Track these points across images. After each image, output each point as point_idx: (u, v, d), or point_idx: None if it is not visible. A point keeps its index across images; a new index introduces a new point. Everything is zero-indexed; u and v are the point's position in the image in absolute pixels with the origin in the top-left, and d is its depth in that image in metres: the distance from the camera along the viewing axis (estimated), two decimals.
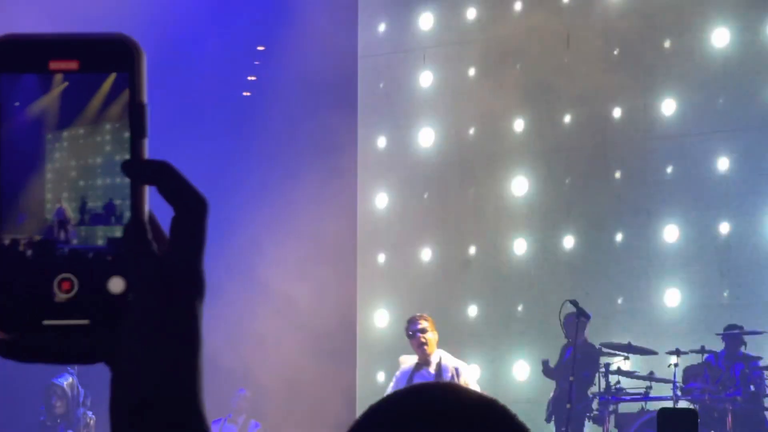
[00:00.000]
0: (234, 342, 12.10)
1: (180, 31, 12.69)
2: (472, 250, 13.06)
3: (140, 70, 0.86)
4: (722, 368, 9.92)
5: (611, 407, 10.06)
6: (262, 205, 13.12)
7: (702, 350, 10.11)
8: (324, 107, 13.18)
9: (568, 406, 9.36)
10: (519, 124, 12.99)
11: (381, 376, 12.57)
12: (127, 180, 0.85)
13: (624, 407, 10.16)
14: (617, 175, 12.51)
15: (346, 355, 12.95)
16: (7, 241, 0.84)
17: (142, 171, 0.86)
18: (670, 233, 12.19)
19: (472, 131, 13.24)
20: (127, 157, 0.85)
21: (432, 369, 8.14)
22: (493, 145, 13.08)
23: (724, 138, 12.04)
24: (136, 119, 0.85)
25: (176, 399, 0.86)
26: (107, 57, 0.85)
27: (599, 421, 10.09)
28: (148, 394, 0.85)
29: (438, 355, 8.14)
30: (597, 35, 12.65)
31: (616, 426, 10.10)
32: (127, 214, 0.85)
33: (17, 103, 0.84)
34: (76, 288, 0.84)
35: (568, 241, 12.63)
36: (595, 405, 10.14)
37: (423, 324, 8.21)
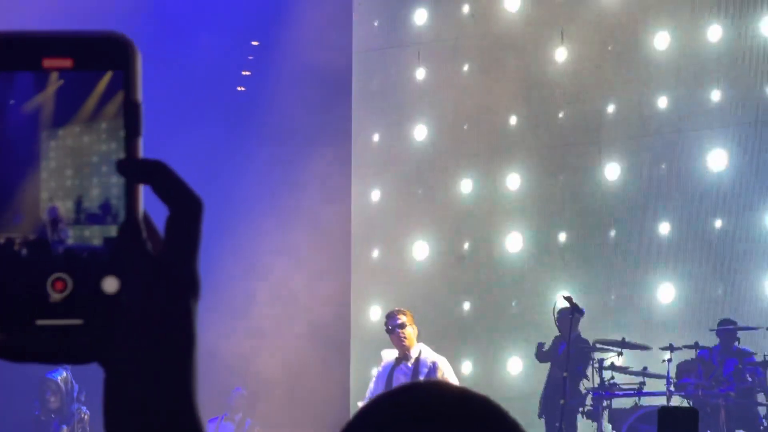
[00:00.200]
0: (229, 336, 12.10)
1: (174, 26, 12.66)
2: (466, 245, 13.06)
3: (135, 69, 0.85)
4: (715, 364, 9.93)
5: (605, 403, 10.07)
6: (256, 200, 13.10)
7: (695, 346, 10.13)
8: (318, 102, 13.17)
9: (562, 401, 9.37)
10: (513, 120, 12.99)
11: (375, 371, 12.58)
12: (121, 179, 0.85)
13: (617, 402, 10.17)
14: (611, 171, 12.51)
15: (340, 348, 12.96)
16: (2, 240, 0.83)
17: (137, 170, 0.85)
18: (664, 229, 12.20)
19: (466, 127, 13.24)
20: (122, 156, 0.85)
21: (410, 363, 8.12)
22: (487, 140, 13.08)
23: (718, 134, 12.05)
24: (130, 118, 0.85)
25: (170, 399, 0.86)
26: (102, 55, 0.84)
27: (593, 416, 10.10)
28: (141, 394, 0.85)
29: (418, 349, 8.11)
30: (591, 31, 12.65)
31: (609, 421, 10.11)
32: (122, 214, 0.85)
33: (10, 101, 0.84)
34: (69, 288, 0.83)
35: (562, 237, 12.64)
36: (588, 400, 10.16)
37: (402, 319, 8.17)
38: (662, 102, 12.35)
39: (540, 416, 10.39)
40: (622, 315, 12.03)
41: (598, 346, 10.33)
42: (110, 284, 0.84)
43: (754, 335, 10.42)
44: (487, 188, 13.02)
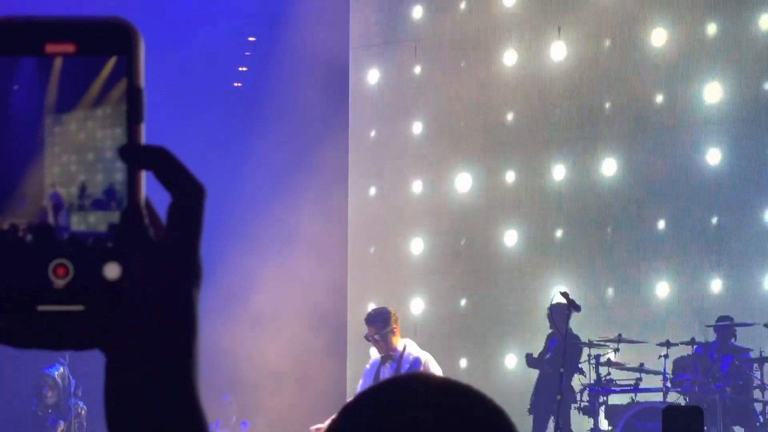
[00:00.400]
0: (223, 330, 12.09)
1: (171, 21, 12.65)
2: (463, 241, 13.06)
3: (138, 54, 0.85)
4: (712, 360, 9.94)
5: (601, 399, 10.08)
6: (252, 196, 13.09)
7: (692, 342, 10.13)
8: (315, 98, 13.16)
9: (558, 397, 9.38)
10: (510, 116, 13.00)
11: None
12: (124, 165, 0.84)
13: (614, 399, 10.18)
14: (608, 167, 12.52)
15: (338, 337, 12.95)
16: (2, 226, 0.83)
17: (139, 156, 0.85)
18: (661, 225, 12.21)
19: (462, 123, 13.24)
20: (124, 142, 0.85)
21: (395, 361, 8.09)
22: (484, 136, 13.08)
23: (715, 130, 12.06)
24: (133, 104, 0.84)
25: (171, 386, 0.85)
26: (105, 40, 0.84)
27: (589, 412, 10.11)
28: (142, 381, 0.85)
29: (402, 345, 8.08)
30: (588, 26, 12.65)
31: (606, 417, 10.12)
32: (124, 200, 0.84)
33: (13, 86, 0.83)
34: (71, 273, 0.83)
35: (559, 233, 12.64)
36: (585, 397, 10.17)
37: (370, 331, 8.10)
38: (658, 98, 12.36)
39: (530, 412, 10.38)
40: (619, 311, 12.04)
41: (594, 342, 10.34)
42: (112, 270, 0.84)
43: (751, 331, 10.43)
44: (484, 184, 13.02)
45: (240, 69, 14.15)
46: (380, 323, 8.01)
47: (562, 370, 9.47)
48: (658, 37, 12.37)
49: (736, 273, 11.79)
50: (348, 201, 13.60)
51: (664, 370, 9.96)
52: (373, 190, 13.62)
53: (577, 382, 10.21)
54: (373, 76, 13.79)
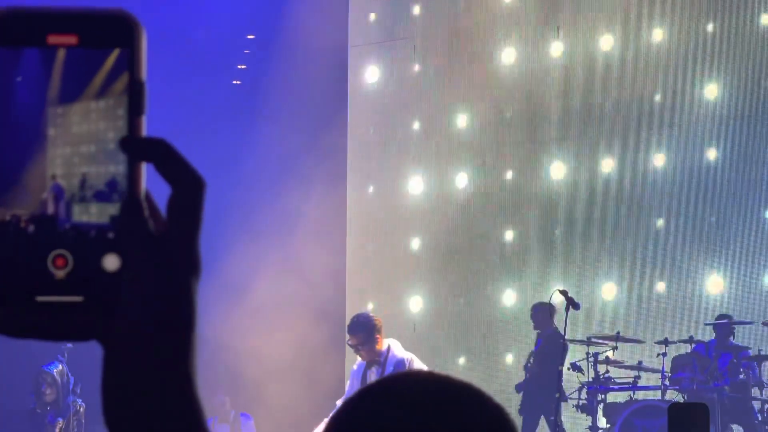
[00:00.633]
0: (224, 323, 12.09)
1: (170, 18, 12.64)
2: (462, 238, 13.07)
3: (140, 47, 0.85)
4: (711, 358, 9.94)
5: (599, 396, 10.09)
6: (251, 193, 13.09)
7: (690, 340, 10.14)
8: (314, 96, 13.16)
9: (557, 395, 9.38)
10: (509, 114, 13.00)
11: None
12: (124, 157, 0.85)
13: (612, 396, 10.19)
14: (607, 164, 12.52)
15: (338, 335, 12.96)
16: (2, 216, 0.83)
17: (140, 148, 0.85)
18: (659, 222, 12.21)
19: (462, 121, 13.24)
20: (125, 134, 0.85)
21: (380, 364, 8.04)
22: (483, 134, 13.09)
23: (714, 128, 12.07)
24: (134, 96, 0.85)
25: (169, 378, 0.85)
26: (107, 32, 0.84)
27: (587, 410, 10.12)
28: (140, 372, 0.85)
29: (387, 345, 8.00)
30: (587, 25, 12.65)
31: (604, 415, 10.12)
32: (124, 192, 0.85)
33: (15, 77, 0.84)
34: (70, 264, 0.83)
35: (557, 230, 12.65)
36: (583, 394, 10.17)
37: (352, 342, 8.03)
38: (658, 96, 12.36)
39: (519, 413, 10.34)
40: (617, 309, 12.05)
41: (593, 340, 10.35)
42: (111, 262, 0.84)
43: (750, 330, 10.43)
44: (482, 182, 13.03)
45: (239, 67, 14.14)
46: (363, 334, 7.84)
47: (560, 367, 9.47)
48: (658, 34, 12.37)
49: (734, 271, 11.80)
50: (347, 198, 13.60)
51: (663, 368, 9.96)
52: (371, 188, 13.62)
53: (575, 379, 10.21)
54: (372, 74, 13.79)
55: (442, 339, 12.70)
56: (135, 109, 0.85)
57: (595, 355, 10.22)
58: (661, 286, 12.10)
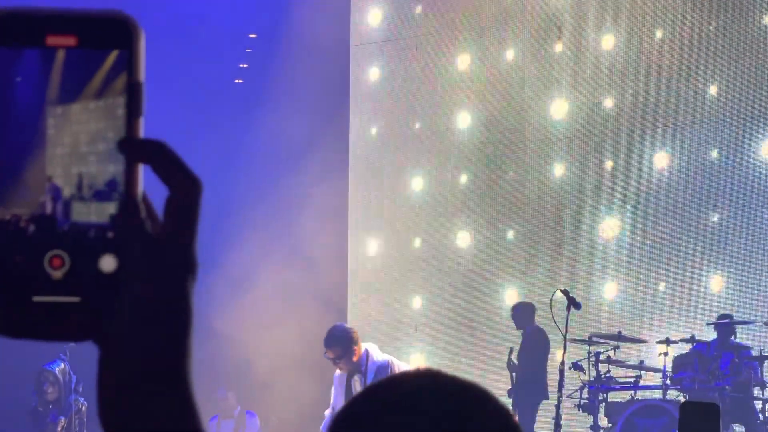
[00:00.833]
0: (227, 314, 12.07)
1: (172, 17, 12.64)
2: (463, 236, 13.07)
3: (138, 49, 0.86)
4: (712, 358, 9.94)
5: (601, 396, 10.09)
6: (252, 192, 13.09)
7: (692, 339, 10.14)
8: (316, 95, 13.16)
9: (558, 395, 9.39)
10: (511, 113, 13.00)
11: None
12: (122, 158, 0.85)
13: (614, 396, 10.19)
14: (607, 164, 12.52)
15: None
16: (2, 216, 0.84)
17: (138, 150, 0.85)
18: (661, 222, 12.21)
19: (463, 120, 13.24)
20: (123, 135, 0.85)
21: (362, 373, 7.98)
22: (484, 133, 13.09)
23: (715, 127, 12.06)
24: (132, 98, 0.85)
25: (165, 379, 0.85)
26: (106, 34, 0.85)
27: (589, 409, 10.12)
28: (136, 373, 0.85)
29: (365, 351, 7.93)
30: (589, 25, 12.65)
31: (605, 414, 10.12)
32: (122, 193, 0.85)
33: (14, 78, 0.84)
34: (67, 265, 0.84)
35: (559, 230, 12.65)
36: (584, 394, 10.18)
37: (330, 355, 7.95)
38: (659, 96, 12.36)
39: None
40: (619, 308, 12.04)
41: (594, 339, 10.36)
42: (108, 263, 0.84)
43: (751, 329, 10.43)
44: (484, 180, 13.03)
45: (241, 66, 14.14)
46: (340, 348, 7.75)
47: (561, 367, 9.47)
48: (659, 34, 12.36)
49: (736, 270, 11.79)
50: (348, 197, 13.60)
51: (664, 367, 9.96)
52: (373, 187, 13.62)
53: (576, 379, 10.21)
54: (374, 73, 13.79)
55: (442, 338, 12.70)
56: (133, 110, 0.85)
57: (597, 354, 10.22)
58: (662, 286, 12.10)
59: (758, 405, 9.96)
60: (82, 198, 0.85)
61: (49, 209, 0.84)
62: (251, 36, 14.07)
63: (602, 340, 10.32)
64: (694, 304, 11.71)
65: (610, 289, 12.28)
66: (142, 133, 0.86)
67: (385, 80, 13.69)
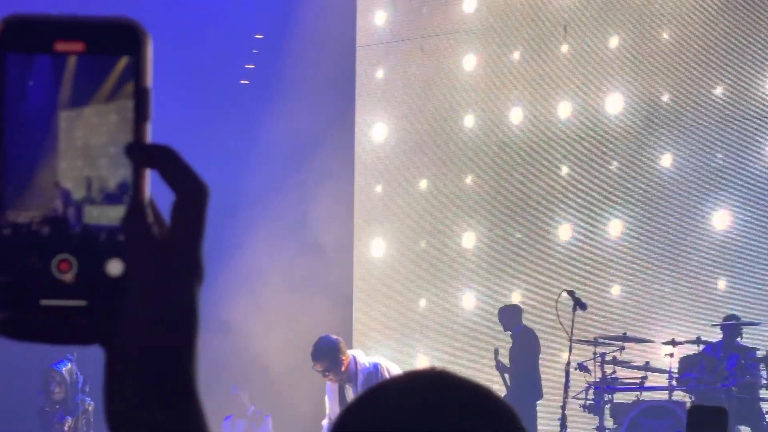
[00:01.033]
0: (239, 313, 12.06)
1: (178, 18, 12.66)
2: (468, 237, 13.07)
3: (146, 55, 0.86)
4: (718, 359, 9.93)
5: (606, 397, 10.09)
6: (257, 193, 13.09)
7: (698, 341, 10.13)
8: (322, 95, 13.16)
9: (564, 396, 9.39)
10: (516, 114, 12.99)
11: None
12: (129, 163, 0.86)
13: (619, 397, 10.18)
14: (614, 165, 12.51)
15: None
16: (8, 220, 0.84)
17: (145, 154, 0.86)
18: (666, 223, 12.20)
19: (469, 121, 13.24)
20: (130, 140, 0.86)
21: (353, 382, 7.96)
22: (490, 134, 13.08)
23: (721, 129, 12.04)
24: (140, 103, 0.86)
25: (171, 382, 0.86)
26: (114, 40, 0.86)
27: (594, 410, 10.11)
28: (142, 377, 0.86)
29: (351, 358, 7.90)
30: (595, 25, 12.64)
31: (611, 415, 10.12)
32: (129, 198, 0.86)
33: (23, 83, 0.85)
34: (74, 269, 0.84)
35: (565, 231, 12.64)
36: (590, 395, 10.18)
37: (318, 368, 7.92)
38: (665, 97, 12.35)
39: None
40: (625, 309, 12.03)
41: (600, 340, 10.36)
42: (114, 267, 0.85)
43: (757, 331, 10.41)
44: (490, 181, 13.02)
45: (247, 66, 14.15)
46: (327, 360, 7.75)
47: (567, 367, 9.47)
48: (665, 35, 12.35)
49: (742, 271, 11.78)
50: (354, 199, 13.60)
51: (670, 368, 9.95)
52: (379, 189, 13.62)
53: (582, 380, 10.21)
54: (380, 74, 13.79)
55: (448, 340, 12.70)
56: (140, 115, 0.86)
57: (602, 355, 10.22)
58: (668, 287, 12.08)
59: (765, 406, 9.95)
60: (90, 202, 0.85)
61: (57, 213, 0.85)
62: (257, 36, 14.08)
63: (608, 341, 10.31)
64: (700, 305, 11.69)
65: (615, 290, 12.27)
66: (149, 138, 0.87)
67: (391, 81, 13.69)
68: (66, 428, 10.16)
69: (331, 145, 13.17)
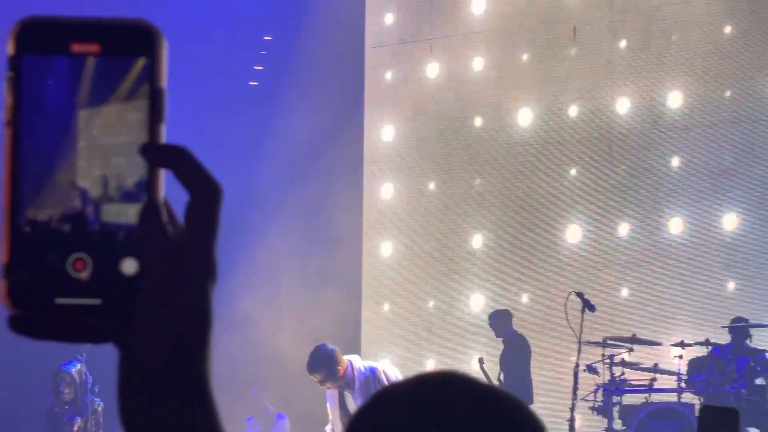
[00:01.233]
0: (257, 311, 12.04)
1: (187, 20, 12.68)
2: (477, 240, 13.07)
3: (161, 56, 0.87)
4: (727, 361, 9.91)
5: (615, 399, 10.07)
6: (267, 195, 13.10)
7: (707, 343, 10.11)
8: (331, 97, 13.17)
9: (573, 398, 9.38)
10: (525, 116, 12.99)
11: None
12: (144, 163, 0.87)
13: (628, 398, 10.17)
14: (623, 166, 12.50)
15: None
16: (25, 218, 0.85)
17: (159, 155, 0.87)
18: (676, 225, 12.18)
19: (477, 123, 13.24)
20: (145, 141, 0.87)
21: (352, 388, 7.95)
22: (498, 136, 13.08)
23: (730, 130, 12.03)
24: (155, 104, 0.87)
25: (184, 380, 0.87)
26: (129, 41, 0.87)
27: (603, 412, 10.10)
28: (156, 376, 0.86)
29: (347, 365, 7.88)
30: (604, 27, 12.63)
31: (620, 417, 10.11)
32: (143, 198, 0.87)
33: (40, 84, 0.86)
34: (89, 268, 0.85)
35: (573, 233, 12.63)
36: (599, 396, 10.17)
37: (316, 378, 7.91)
38: (674, 99, 12.33)
39: None
40: (633, 311, 12.02)
41: (608, 342, 10.34)
42: (129, 266, 0.86)
43: (766, 333, 10.39)
44: (498, 184, 13.02)
45: (256, 68, 14.17)
46: (324, 370, 7.72)
47: (575, 368, 9.46)
48: (674, 36, 12.33)
49: (751, 273, 11.75)
50: (362, 200, 13.60)
51: (679, 370, 9.93)
52: (388, 190, 13.62)
53: (591, 381, 10.20)
54: (389, 75, 13.79)
55: (457, 342, 12.69)
56: (155, 116, 0.87)
57: (611, 357, 10.21)
58: (677, 288, 12.06)
59: None
60: (105, 202, 0.86)
61: (73, 212, 0.86)
62: (266, 38, 14.10)
63: (617, 343, 10.30)
64: (709, 306, 11.67)
65: (624, 292, 12.25)
66: (164, 138, 0.88)
67: (400, 82, 13.69)
68: (75, 429, 10.18)
69: (340, 146, 13.18)
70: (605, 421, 10.13)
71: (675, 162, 12.26)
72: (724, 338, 10.25)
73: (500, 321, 10.96)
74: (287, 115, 13.36)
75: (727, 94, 12.07)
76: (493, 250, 12.95)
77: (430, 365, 12.72)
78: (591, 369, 10.09)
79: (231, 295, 11.11)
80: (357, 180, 13.53)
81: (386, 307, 13.35)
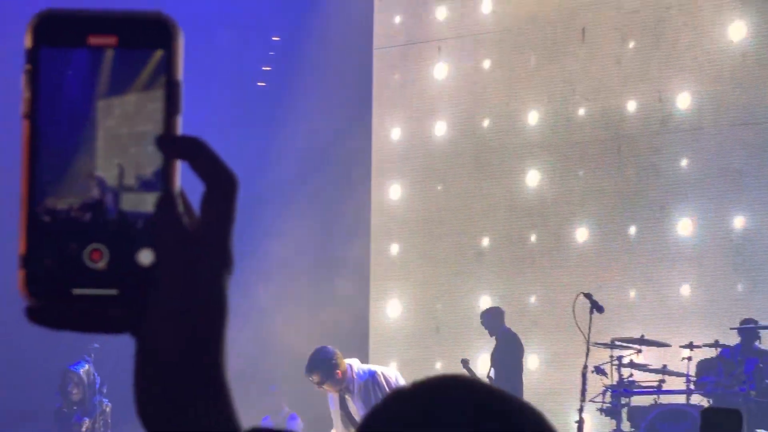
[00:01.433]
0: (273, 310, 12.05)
1: (195, 20, 12.70)
2: (485, 241, 13.06)
3: (177, 48, 0.88)
4: (736, 362, 9.89)
5: (623, 400, 10.06)
6: (274, 195, 13.11)
7: (716, 344, 10.09)
8: (338, 98, 13.18)
9: (581, 399, 9.37)
10: (533, 117, 12.98)
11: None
12: (160, 155, 0.87)
13: (637, 400, 10.15)
14: (631, 167, 12.48)
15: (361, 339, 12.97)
16: (42, 209, 0.86)
17: (175, 146, 0.87)
18: (684, 227, 12.16)
19: (486, 124, 13.24)
20: (161, 132, 0.87)
21: (352, 392, 7.95)
22: (506, 137, 13.08)
23: (739, 131, 12.01)
24: (170, 96, 0.88)
25: (200, 371, 0.87)
26: (146, 34, 0.87)
27: (612, 413, 10.09)
28: (172, 366, 0.86)
29: (348, 370, 7.87)
30: (612, 28, 12.62)
31: (628, 419, 10.09)
32: (160, 189, 0.87)
33: (58, 76, 0.86)
34: (106, 258, 0.85)
35: (582, 234, 12.62)
36: (607, 398, 10.15)
37: (314, 380, 7.90)
38: (683, 100, 12.32)
39: None
40: (642, 312, 12.00)
41: (617, 343, 10.33)
42: (145, 256, 0.86)
43: None
44: (506, 185, 13.01)
45: (264, 68, 14.19)
46: (323, 372, 7.72)
47: (583, 369, 9.44)
48: (683, 37, 12.32)
49: (760, 275, 11.73)
50: (371, 201, 13.61)
51: (687, 372, 9.92)
52: (396, 191, 13.63)
53: (599, 383, 10.19)
54: (397, 76, 13.80)
55: (466, 342, 12.68)
56: (171, 108, 0.88)
57: (620, 358, 10.19)
58: (686, 290, 12.05)
59: None
60: (122, 193, 0.86)
61: (89, 204, 0.86)
62: (274, 39, 14.11)
63: (625, 344, 10.29)
64: (718, 308, 11.65)
65: (633, 293, 12.23)
66: (179, 130, 0.88)
67: (407, 83, 13.70)
68: (83, 429, 10.20)
69: (348, 147, 13.18)
70: (614, 422, 10.11)
71: (684, 163, 12.25)
72: (733, 340, 10.23)
73: (492, 319, 11.00)
74: (294, 116, 13.37)
75: (737, 94, 12.05)
76: (501, 251, 12.94)
77: (438, 366, 12.72)
78: (599, 370, 10.07)
79: (244, 288, 11.09)
80: (365, 180, 13.54)
81: (394, 306, 13.34)
